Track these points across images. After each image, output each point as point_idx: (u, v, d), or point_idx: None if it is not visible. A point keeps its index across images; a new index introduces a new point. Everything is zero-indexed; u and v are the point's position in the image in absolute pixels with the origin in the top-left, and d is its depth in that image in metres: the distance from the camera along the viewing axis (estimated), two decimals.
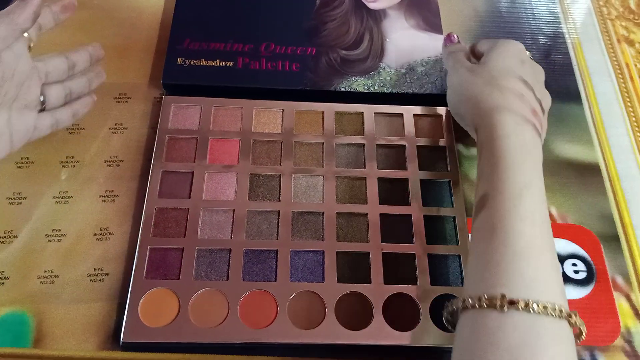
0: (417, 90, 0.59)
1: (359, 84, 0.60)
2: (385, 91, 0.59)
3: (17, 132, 0.48)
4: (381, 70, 0.61)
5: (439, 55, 0.62)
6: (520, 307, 0.36)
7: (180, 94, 0.58)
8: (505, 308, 0.36)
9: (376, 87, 0.59)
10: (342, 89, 0.59)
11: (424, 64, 0.61)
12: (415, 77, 0.60)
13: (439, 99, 0.59)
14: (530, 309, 0.36)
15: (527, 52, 0.54)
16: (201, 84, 0.58)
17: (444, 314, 0.43)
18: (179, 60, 0.59)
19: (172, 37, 0.61)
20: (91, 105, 0.55)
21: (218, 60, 0.60)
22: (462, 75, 0.52)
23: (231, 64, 0.59)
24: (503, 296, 0.36)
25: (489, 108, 0.47)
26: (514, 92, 0.48)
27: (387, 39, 0.63)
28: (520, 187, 0.42)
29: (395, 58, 0.62)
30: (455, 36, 0.59)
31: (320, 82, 0.59)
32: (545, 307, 0.36)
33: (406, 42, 0.63)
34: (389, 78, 0.60)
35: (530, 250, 0.39)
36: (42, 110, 0.50)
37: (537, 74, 0.53)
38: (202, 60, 0.59)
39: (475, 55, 0.56)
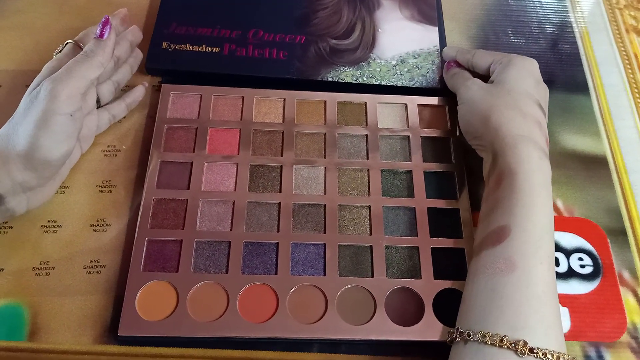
0: (406, 83, 0.58)
1: (347, 74, 0.58)
2: (374, 83, 0.58)
3: (84, 139, 0.51)
4: (371, 61, 0.59)
5: (432, 48, 0.60)
6: (538, 356, 0.38)
7: (165, 78, 0.58)
8: (525, 355, 0.38)
9: (365, 78, 0.58)
10: (330, 79, 0.58)
11: (416, 56, 0.60)
12: (406, 70, 0.59)
13: (430, 92, 0.58)
14: (547, 358, 0.38)
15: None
16: (185, 69, 0.57)
17: (455, 336, 0.42)
18: (164, 45, 0.58)
19: (158, 20, 0.59)
20: (144, 94, 0.56)
21: (204, 46, 0.58)
22: (476, 92, 0.51)
23: (217, 50, 0.58)
24: (525, 343, 0.38)
25: (513, 135, 0.46)
26: (534, 119, 0.48)
27: (380, 30, 0.61)
28: (543, 228, 0.43)
29: (387, 49, 0.60)
30: (453, 63, 0.57)
31: (307, 72, 0.58)
32: (558, 357, 0.39)
33: (399, 34, 0.61)
34: (378, 69, 0.59)
35: (548, 295, 0.41)
36: (97, 107, 0.52)
37: (546, 95, 0.52)
38: (188, 45, 0.58)
39: (475, 70, 0.55)
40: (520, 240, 0.42)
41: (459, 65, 0.57)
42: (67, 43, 0.50)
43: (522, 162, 0.45)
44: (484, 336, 0.39)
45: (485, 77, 0.54)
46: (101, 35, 0.48)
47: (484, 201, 0.47)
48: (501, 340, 0.39)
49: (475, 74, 0.55)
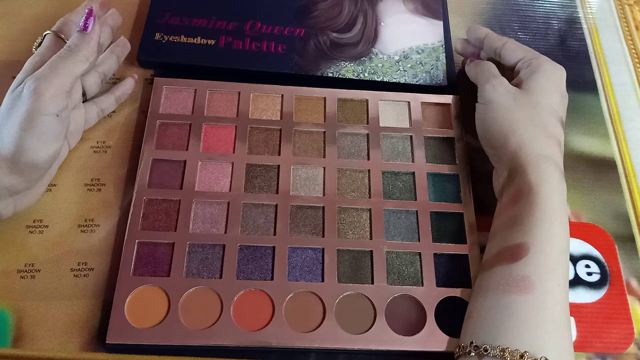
0: (410, 80, 0.56)
1: (348, 69, 0.56)
2: (376, 79, 0.56)
3: (72, 134, 0.49)
4: (373, 57, 0.57)
5: (436, 43, 0.58)
6: None
7: (157, 71, 0.56)
8: None
9: (366, 74, 0.56)
10: (330, 75, 0.55)
11: (420, 51, 0.57)
12: (409, 66, 0.56)
13: (434, 89, 0.56)
14: None
15: None
16: (179, 62, 0.55)
17: (469, 350, 0.40)
18: (157, 36, 0.55)
19: (151, 10, 0.57)
20: (133, 86, 0.54)
21: (199, 38, 0.56)
22: (501, 97, 0.48)
23: (213, 42, 0.56)
24: None
25: (535, 154, 0.45)
26: (556, 139, 0.47)
27: (382, 23, 0.59)
28: (561, 250, 0.42)
29: (389, 44, 0.58)
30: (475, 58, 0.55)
31: (307, 67, 0.56)
32: None
33: (402, 28, 0.59)
34: (380, 65, 0.56)
35: (563, 319, 0.40)
36: (84, 101, 0.50)
37: (566, 106, 0.50)
38: (182, 36, 0.56)
39: (501, 61, 0.52)
40: (538, 261, 0.41)
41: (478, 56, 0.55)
42: (46, 34, 0.48)
43: (543, 182, 0.43)
44: (503, 351, 0.38)
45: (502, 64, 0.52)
46: (85, 28, 0.45)
47: (496, 216, 0.46)
48: (521, 356, 0.37)
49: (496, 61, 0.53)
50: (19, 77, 0.45)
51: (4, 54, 0.55)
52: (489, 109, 0.48)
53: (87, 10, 0.46)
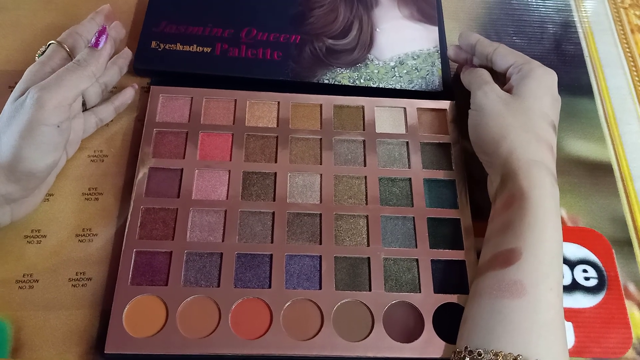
0: (405, 86, 0.56)
1: (344, 76, 0.56)
2: (372, 85, 0.56)
3: (70, 144, 0.49)
4: (368, 63, 0.57)
5: (432, 49, 0.58)
6: None
7: (154, 79, 0.56)
8: None
9: (362, 81, 0.56)
10: (326, 81, 0.56)
11: (415, 57, 0.58)
12: (405, 72, 0.57)
13: (429, 95, 0.56)
14: None
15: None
16: (175, 70, 0.55)
17: (463, 355, 0.40)
18: (153, 44, 0.56)
19: (147, 18, 0.57)
20: (133, 96, 0.54)
21: (195, 46, 0.56)
22: (492, 103, 0.48)
23: (209, 49, 0.56)
24: None
25: (526, 160, 0.45)
26: (548, 144, 0.47)
27: (378, 29, 0.59)
28: (553, 254, 0.42)
29: (385, 50, 0.58)
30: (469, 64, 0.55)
31: (302, 73, 0.56)
32: None
33: (398, 33, 0.59)
34: (376, 71, 0.56)
35: (556, 323, 0.40)
36: (83, 110, 0.50)
37: (559, 109, 0.50)
38: (178, 44, 0.56)
39: (493, 67, 0.53)
40: (530, 265, 0.41)
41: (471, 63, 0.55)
42: (50, 44, 0.48)
43: (535, 187, 0.43)
44: (496, 355, 0.38)
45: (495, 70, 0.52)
46: (96, 44, 0.46)
47: (490, 222, 0.46)
48: None
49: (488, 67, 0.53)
50: (19, 86, 0.45)
51: (1, 63, 0.55)
52: (480, 115, 0.49)
53: (100, 28, 0.46)
